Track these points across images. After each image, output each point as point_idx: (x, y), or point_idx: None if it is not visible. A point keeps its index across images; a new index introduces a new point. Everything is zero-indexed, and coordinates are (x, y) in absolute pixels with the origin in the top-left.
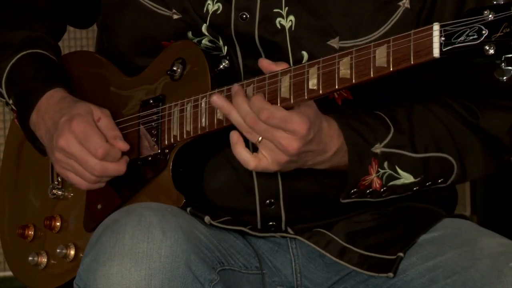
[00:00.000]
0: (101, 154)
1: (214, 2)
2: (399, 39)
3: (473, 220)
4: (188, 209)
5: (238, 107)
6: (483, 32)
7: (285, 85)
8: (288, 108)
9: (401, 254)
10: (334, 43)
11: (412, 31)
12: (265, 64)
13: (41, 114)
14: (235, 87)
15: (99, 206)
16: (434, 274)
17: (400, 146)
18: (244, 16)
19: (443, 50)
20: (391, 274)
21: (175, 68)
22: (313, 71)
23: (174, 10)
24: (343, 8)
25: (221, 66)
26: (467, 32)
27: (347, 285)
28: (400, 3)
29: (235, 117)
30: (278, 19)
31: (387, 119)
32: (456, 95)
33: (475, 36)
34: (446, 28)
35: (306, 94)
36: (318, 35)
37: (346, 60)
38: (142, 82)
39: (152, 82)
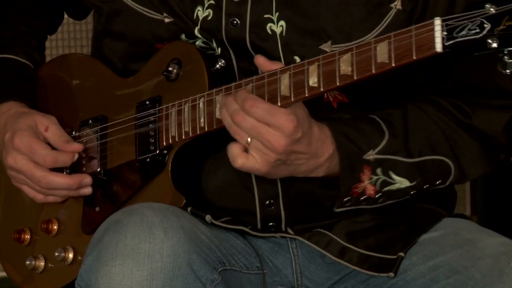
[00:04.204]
0: (50, 161)
1: (204, 9)
2: (400, 34)
3: (473, 220)
4: (189, 208)
5: (227, 106)
6: (485, 25)
7: (284, 83)
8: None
9: (401, 253)
10: (327, 47)
11: (413, 26)
12: (261, 61)
13: None
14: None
15: (97, 209)
16: (435, 273)
17: (394, 152)
18: (234, 22)
19: (446, 44)
20: (392, 274)
21: (170, 69)
22: (313, 68)
23: (165, 14)
24: (335, 12)
25: (218, 66)
26: (469, 26)
27: (348, 284)
28: (392, 5)
29: (225, 116)
30: (269, 24)
31: (381, 124)
32: (448, 96)
33: (477, 30)
34: (447, 22)
35: (307, 92)
36: (310, 40)
37: (347, 57)
38: (137, 83)
39: (148, 83)
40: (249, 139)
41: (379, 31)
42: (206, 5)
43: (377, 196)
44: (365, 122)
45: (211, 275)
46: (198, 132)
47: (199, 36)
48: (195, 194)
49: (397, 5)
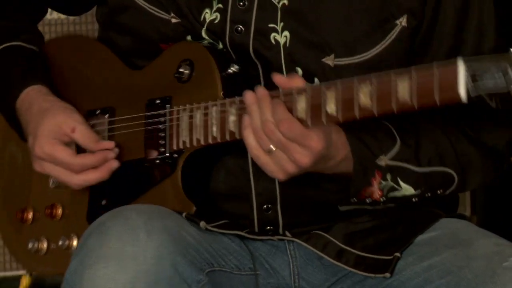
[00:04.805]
0: (77, 169)
1: (212, 12)
2: (422, 73)
3: (473, 220)
4: (184, 214)
5: (261, 109)
6: (510, 71)
7: (301, 105)
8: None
9: (397, 254)
10: (329, 60)
11: (435, 65)
12: (279, 81)
13: (21, 120)
14: (261, 90)
15: (103, 202)
16: (429, 274)
17: (404, 159)
18: (239, 28)
19: (471, 96)
20: (387, 274)
21: (182, 70)
22: (330, 95)
23: (172, 14)
24: (339, 25)
25: (230, 70)
26: (492, 70)
27: (344, 285)
28: (397, 22)
29: (256, 121)
30: (273, 34)
31: (393, 130)
32: (457, 109)
33: (501, 78)
34: (471, 65)
35: (324, 118)
36: (313, 52)
37: (366, 89)
38: (148, 78)
39: (158, 80)
40: (272, 148)
41: (383, 46)
42: (214, 9)
43: (381, 199)
44: (377, 127)
45: (197, 276)
46: (210, 142)
47: (206, 37)
48: (202, 199)
49: (402, 22)
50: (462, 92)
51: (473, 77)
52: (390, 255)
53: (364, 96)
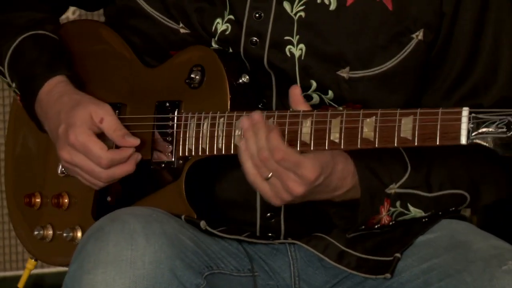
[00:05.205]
0: (105, 164)
1: (224, 22)
2: (427, 115)
3: (473, 221)
4: (183, 216)
5: (256, 137)
6: None
7: (306, 129)
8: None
9: (398, 254)
10: (344, 73)
11: (440, 109)
12: (294, 93)
13: (44, 110)
14: (257, 115)
15: (108, 199)
16: (429, 276)
17: (415, 187)
18: (254, 40)
19: (471, 136)
20: (388, 275)
21: (193, 76)
22: (335, 123)
23: (181, 25)
24: (355, 38)
25: (240, 81)
26: (496, 123)
27: (344, 287)
28: (414, 35)
29: (251, 147)
30: (289, 46)
31: (405, 155)
32: None
33: (503, 129)
34: (475, 115)
35: (327, 145)
36: (328, 65)
37: (370, 121)
38: (159, 79)
39: (169, 83)
40: (269, 175)
41: (398, 59)
42: (225, 19)
43: (390, 223)
44: (388, 153)
45: (196, 280)
46: (215, 153)
47: (216, 47)
48: (205, 207)
49: (418, 35)
50: (463, 132)
51: (473, 129)
52: (390, 256)
53: (368, 128)
